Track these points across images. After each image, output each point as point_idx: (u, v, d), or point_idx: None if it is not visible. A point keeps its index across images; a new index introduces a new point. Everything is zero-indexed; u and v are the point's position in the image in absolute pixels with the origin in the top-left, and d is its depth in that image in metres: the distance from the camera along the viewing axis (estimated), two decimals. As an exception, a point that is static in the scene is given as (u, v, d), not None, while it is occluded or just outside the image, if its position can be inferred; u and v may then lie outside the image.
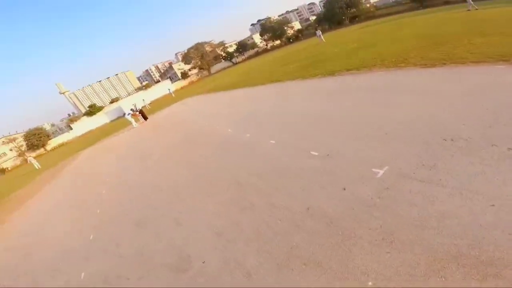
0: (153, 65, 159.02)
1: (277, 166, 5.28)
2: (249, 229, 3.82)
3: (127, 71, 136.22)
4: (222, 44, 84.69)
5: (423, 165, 3.65)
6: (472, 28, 12.19)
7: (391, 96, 6.54)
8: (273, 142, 6.52)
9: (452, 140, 3.95)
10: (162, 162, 8.93)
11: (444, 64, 7.55)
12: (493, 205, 2.69)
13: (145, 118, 24.09)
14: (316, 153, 5.11)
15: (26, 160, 48.18)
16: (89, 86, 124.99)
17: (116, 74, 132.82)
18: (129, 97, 69.94)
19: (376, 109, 6.11)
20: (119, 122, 43.61)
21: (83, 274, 4.51)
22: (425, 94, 6.00)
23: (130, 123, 23.95)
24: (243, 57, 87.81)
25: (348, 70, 11.12)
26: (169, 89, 51.53)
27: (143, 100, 46.78)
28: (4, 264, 6.23)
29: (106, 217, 6.44)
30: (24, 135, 56.65)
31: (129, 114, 23.81)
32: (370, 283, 2.43)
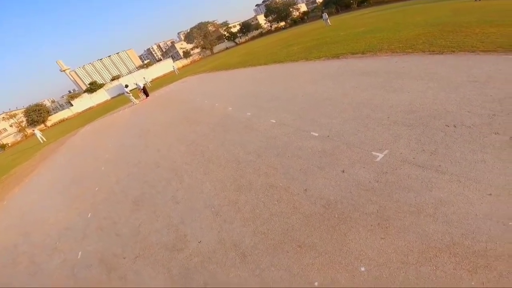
0: (155, 43, 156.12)
1: (277, 145, 5.23)
2: (246, 209, 3.82)
3: (128, 49, 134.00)
4: (225, 24, 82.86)
5: (423, 150, 3.61)
6: (484, 18, 11.78)
7: (396, 81, 6.39)
8: (274, 121, 6.45)
9: (455, 126, 3.88)
10: (161, 139, 8.87)
11: (453, 51, 7.31)
12: (490, 194, 2.66)
13: (147, 95, 23.92)
14: (316, 134, 5.05)
15: (26, 135, 48.16)
16: (90, 64, 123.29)
17: (118, 53, 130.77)
18: (129, 75, 69.02)
19: (380, 92, 5.98)
20: (120, 99, 43.29)
21: (80, 253, 4.55)
22: (431, 79, 5.85)
23: (130, 100, 23.70)
24: (247, 37, 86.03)
25: (353, 53, 10.84)
26: (173, 67, 51.20)
27: (144, 78, 46.34)
28: (3, 244, 6.26)
29: (104, 195, 6.46)
30: (24, 111, 56.43)
31: (127, 92, 23.53)
32: (362, 269, 2.43)
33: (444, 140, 3.65)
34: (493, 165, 2.99)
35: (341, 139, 4.60)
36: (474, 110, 4.13)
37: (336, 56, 11.37)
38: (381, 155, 3.80)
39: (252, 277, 2.79)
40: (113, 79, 74.19)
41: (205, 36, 74.55)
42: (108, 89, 65.95)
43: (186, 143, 7.45)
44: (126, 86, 24.34)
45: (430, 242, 2.44)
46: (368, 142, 4.22)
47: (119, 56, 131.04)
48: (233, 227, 3.58)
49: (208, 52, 78.32)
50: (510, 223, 2.34)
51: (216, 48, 79.86)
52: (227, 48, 78.27)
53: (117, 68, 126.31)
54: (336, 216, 3.08)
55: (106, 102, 61.00)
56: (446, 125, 3.96)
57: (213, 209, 4.13)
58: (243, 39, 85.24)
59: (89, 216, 5.71)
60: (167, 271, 3.34)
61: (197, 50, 78.51)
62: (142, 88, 24.15)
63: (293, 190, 3.80)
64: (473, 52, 6.87)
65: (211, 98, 12.38)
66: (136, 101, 23.18)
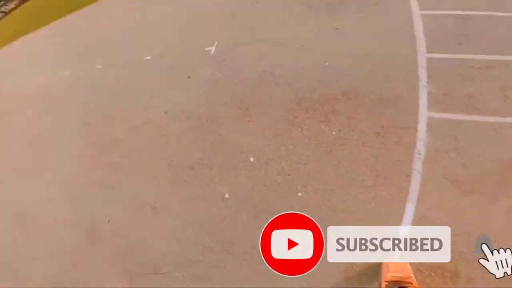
0: None
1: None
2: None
3: None
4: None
5: (244, 29, 3.60)
6: None
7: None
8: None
9: (257, 2, 3.88)
10: None
11: None
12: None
13: None
14: (149, 57, 4.35)
15: None
16: None
17: None
18: None
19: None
20: None
21: None
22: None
23: None
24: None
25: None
26: None
27: None
28: None
29: None
30: None
31: None
32: (251, 159, 2.48)
33: (255, 17, 3.71)
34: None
35: (174, 50, 4.09)
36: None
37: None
38: (213, 48, 3.61)
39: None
40: None
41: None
42: None
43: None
44: None
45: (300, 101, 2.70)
46: (199, 42, 3.87)
47: None
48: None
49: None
50: (326, 63, 2.78)
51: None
52: None
53: None
54: (204, 121, 2.94)
55: None
56: (252, 4, 3.90)
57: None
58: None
59: None
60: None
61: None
62: None
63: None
64: None
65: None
66: None
